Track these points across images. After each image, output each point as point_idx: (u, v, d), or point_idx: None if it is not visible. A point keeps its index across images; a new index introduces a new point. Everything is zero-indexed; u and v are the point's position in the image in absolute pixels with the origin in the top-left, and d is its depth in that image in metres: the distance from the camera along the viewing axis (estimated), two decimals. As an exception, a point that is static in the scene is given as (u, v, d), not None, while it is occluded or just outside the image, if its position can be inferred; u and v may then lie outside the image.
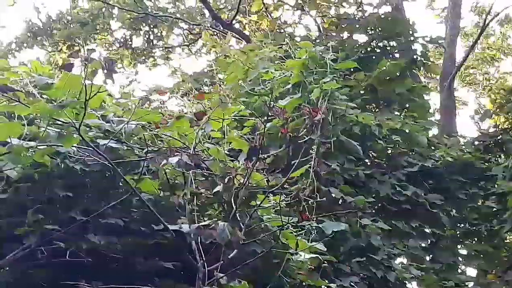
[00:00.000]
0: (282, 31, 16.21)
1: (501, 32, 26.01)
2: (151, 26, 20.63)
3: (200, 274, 5.04)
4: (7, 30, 32.27)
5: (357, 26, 13.63)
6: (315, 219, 5.41)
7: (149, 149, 5.14)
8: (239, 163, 5.48)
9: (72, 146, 4.89)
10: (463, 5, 18.63)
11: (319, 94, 7.67)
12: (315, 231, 5.91)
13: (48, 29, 20.15)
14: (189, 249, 5.17)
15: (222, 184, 5.10)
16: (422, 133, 10.78)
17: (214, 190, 5.13)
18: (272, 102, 6.29)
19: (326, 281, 6.15)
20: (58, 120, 4.80)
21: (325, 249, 5.82)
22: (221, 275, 4.98)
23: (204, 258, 5.09)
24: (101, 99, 5.24)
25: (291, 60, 8.64)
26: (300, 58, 8.40)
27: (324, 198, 5.45)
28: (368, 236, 8.34)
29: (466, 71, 25.59)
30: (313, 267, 5.79)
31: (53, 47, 20.10)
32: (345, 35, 13.75)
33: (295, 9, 17.93)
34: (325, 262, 5.97)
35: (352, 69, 10.41)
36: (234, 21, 17.72)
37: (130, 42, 20.98)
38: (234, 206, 5.10)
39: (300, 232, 5.68)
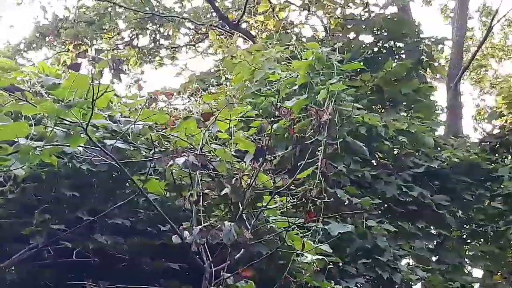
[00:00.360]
0: (288, 31, 16.19)
1: (504, 32, 26.09)
2: (158, 25, 20.62)
3: (206, 274, 5.04)
4: (11, 29, 32.38)
5: (364, 27, 13.62)
6: (321, 220, 5.41)
7: (156, 149, 5.14)
8: (245, 164, 5.48)
9: (79, 146, 4.89)
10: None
11: (326, 95, 7.66)
12: (321, 232, 5.90)
13: (56, 27, 20.14)
14: (195, 249, 5.17)
15: (229, 185, 5.09)
16: (429, 133, 10.76)
17: (222, 192, 5.12)
18: (278, 103, 6.28)
19: (332, 282, 6.15)
20: (65, 120, 4.79)
21: (331, 251, 5.82)
22: (228, 275, 4.98)
23: (210, 259, 5.10)
24: (108, 99, 5.23)
25: (298, 61, 8.63)
26: (306, 59, 8.39)
27: (332, 199, 5.44)
28: (374, 238, 8.32)
29: (473, 71, 25.74)
30: (318, 269, 5.78)
31: (61, 46, 20.10)
32: (352, 35, 13.74)
33: (302, 9, 17.92)
34: (331, 263, 5.96)
35: (358, 70, 10.39)
36: (240, 21, 17.72)
37: (136, 42, 20.99)
38: (240, 207, 5.10)
39: (306, 233, 5.68)
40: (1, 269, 4.94)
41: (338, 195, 7.94)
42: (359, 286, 7.86)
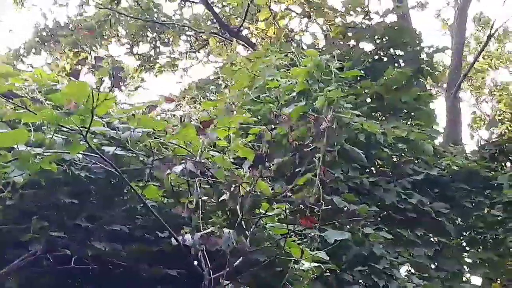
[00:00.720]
0: (289, 39, 16.23)
1: (500, 40, 26.18)
2: (158, 32, 20.66)
3: (205, 281, 5.04)
4: (11, 32, 32.52)
5: (364, 34, 13.65)
6: (318, 227, 5.42)
7: (154, 157, 5.15)
8: (243, 170, 5.48)
9: (78, 153, 4.89)
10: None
11: (324, 102, 7.67)
12: (318, 239, 5.91)
13: (56, 34, 20.17)
14: (194, 256, 5.18)
15: (228, 192, 5.10)
16: (428, 141, 10.78)
17: (221, 199, 5.13)
18: (277, 110, 6.29)
19: (329, 289, 6.15)
20: (64, 127, 4.79)
21: (328, 258, 5.82)
22: (227, 282, 4.98)
23: (209, 265, 5.10)
24: (108, 107, 5.23)
25: (296, 68, 8.65)
26: (305, 66, 8.41)
27: (330, 206, 5.45)
28: (371, 245, 8.31)
29: (473, 78, 25.88)
30: (315, 276, 5.78)
31: (61, 53, 20.13)
32: (352, 43, 13.77)
33: (302, 17, 17.97)
34: (328, 270, 5.95)
35: (358, 77, 10.42)
36: (241, 28, 17.75)
37: (136, 49, 21.02)
38: (239, 214, 5.10)
39: (303, 241, 5.68)
40: (-1, 275, 4.95)
41: (336, 202, 7.96)
42: (356, 293, 7.86)
